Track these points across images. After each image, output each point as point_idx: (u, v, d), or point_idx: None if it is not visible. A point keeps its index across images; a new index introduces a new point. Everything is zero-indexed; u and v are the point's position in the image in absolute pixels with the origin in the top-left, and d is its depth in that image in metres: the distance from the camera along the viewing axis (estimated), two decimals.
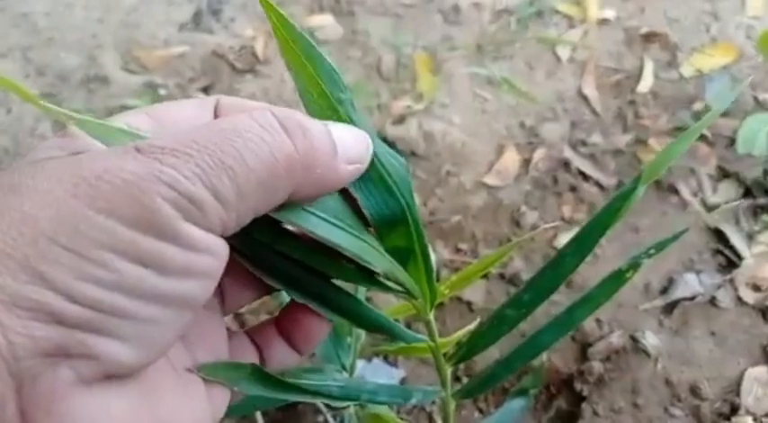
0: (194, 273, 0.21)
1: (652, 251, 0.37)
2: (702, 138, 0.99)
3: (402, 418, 0.75)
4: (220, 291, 0.29)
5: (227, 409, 0.30)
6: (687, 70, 1.06)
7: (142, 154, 0.20)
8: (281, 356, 0.31)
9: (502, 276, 0.85)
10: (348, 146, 0.25)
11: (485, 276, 0.86)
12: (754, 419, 0.76)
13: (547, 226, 0.78)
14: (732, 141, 1.00)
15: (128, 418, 0.22)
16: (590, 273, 0.86)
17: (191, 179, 0.20)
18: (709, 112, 0.31)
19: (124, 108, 0.97)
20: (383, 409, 0.63)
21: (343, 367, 0.62)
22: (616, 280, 0.38)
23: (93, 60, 1.02)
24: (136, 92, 0.98)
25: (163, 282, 0.20)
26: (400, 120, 0.97)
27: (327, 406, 0.74)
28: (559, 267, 0.36)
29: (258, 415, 0.74)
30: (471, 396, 0.41)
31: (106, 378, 0.21)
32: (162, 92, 0.98)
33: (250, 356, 0.30)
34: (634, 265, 0.37)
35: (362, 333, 0.63)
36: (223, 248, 0.22)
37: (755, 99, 1.05)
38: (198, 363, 0.27)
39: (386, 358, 0.81)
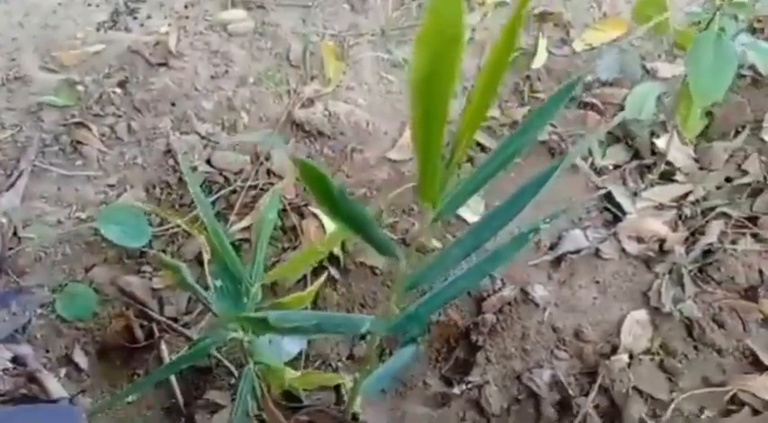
0: None
1: (548, 220, 0.50)
2: (592, 107, 1.07)
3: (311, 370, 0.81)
4: None
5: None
6: (579, 45, 1.13)
7: None
8: None
9: (404, 241, 0.92)
10: None
11: None
12: (630, 357, 0.83)
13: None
14: (621, 108, 1.07)
15: None
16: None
17: None
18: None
19: (42, 105, 1.01)
20: (278, 364, 0.70)
21: (243, 327, 0.68)
22: (520, 241, 0.48)
23: (13, 61, 1.06)
24: (54, 89, 1.03)
25: None
26: (308, 103, 1.03)
27: (239, 366, 0.79)
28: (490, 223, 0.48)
29: (173, 379, 0.79)
30: (399, 330, 0.55)
31: None
32: (79, 88, 1.03)
33: None
34: (534, 229, 0.49)
35: (258, 292, 0.69)
36: None
37: (644, 68, 1.12)
38: None
39: None
